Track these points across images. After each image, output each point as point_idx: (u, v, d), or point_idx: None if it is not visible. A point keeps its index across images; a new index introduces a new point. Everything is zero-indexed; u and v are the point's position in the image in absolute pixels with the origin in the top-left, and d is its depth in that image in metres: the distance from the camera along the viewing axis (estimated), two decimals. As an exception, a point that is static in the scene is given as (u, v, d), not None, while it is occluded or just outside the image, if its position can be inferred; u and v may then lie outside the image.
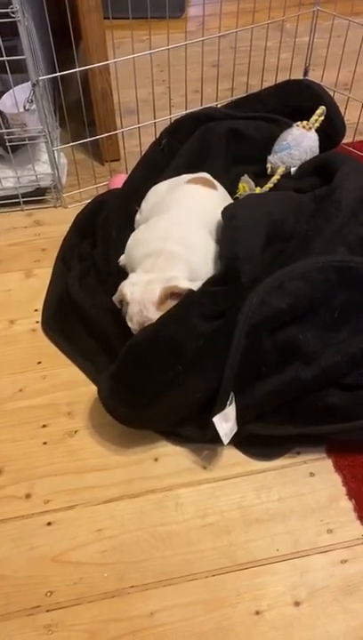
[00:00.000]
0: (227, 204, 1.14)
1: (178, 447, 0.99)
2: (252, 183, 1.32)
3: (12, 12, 1.18)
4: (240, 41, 1.62)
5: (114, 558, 0.87)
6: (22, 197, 1.46)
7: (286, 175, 1.35)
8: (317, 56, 1.74)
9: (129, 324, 1.00)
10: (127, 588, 0.84)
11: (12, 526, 0.90)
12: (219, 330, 0.94)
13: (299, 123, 1.37)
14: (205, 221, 1.11)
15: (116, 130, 1.53)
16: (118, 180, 1.42)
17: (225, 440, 0.92)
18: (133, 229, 1.22)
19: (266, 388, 0.95)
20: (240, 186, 1.33)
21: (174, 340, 0.93)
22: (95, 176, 1.53)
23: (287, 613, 0.81)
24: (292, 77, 1.64)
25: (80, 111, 1.45)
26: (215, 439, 0.92)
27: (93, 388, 1.06)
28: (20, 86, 1.36)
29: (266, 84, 1.58)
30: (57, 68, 1.36)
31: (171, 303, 0.97)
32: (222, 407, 0.91)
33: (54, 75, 1.36)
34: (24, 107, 1.33)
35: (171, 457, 0.98)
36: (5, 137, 1.37)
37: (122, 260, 1.17)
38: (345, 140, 1.48)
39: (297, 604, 0.82)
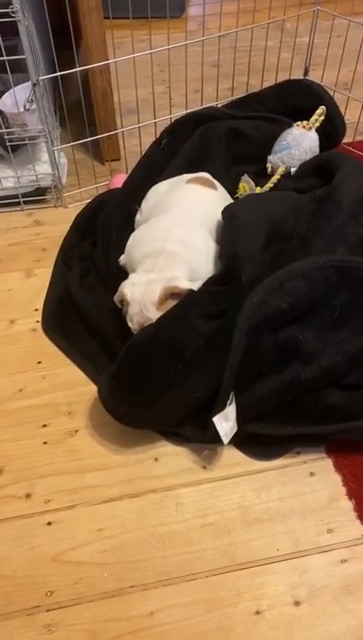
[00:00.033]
0: (227, 204, 1.14)
1: (178, 447, 0.99)
2: (252, 183, 1.32)
3: (13, 12, 1.18)
4: (240, 41, 1.62)
5: (114, 558, 0.87)
6: (22, 197, 1.46)
7: (287, 175, 1.35)
8: (317, 56, 1.74)
9: (129, 325, 1.00)
10: (127, 588, 0.84)
11: (13, 526, 0.90)
12: (219, 329, 0.94)
13: (299, 122, 1.37)
14: (205, 221, 1.11)
15: (116, 129, 1.53)
16: (118, 180, 1.42)
17: (225, 440, 0.92)
18: (133, 229, 1.22)
19: (266, 388, 0.95)
20: (240, 185, 1.33)
21: (174, 340, 0.93)
22: (95, 176, 1.53)
23: (287, 613, 0.81)
24: (292, 77, 1.64)
25: (80, 111, 1.45)
26: (215, 439, 0.92)
27: (93, 388, 1.06)
28: (20, 86, 1.36)
29: (266, 84, 1.58)
30: (57, 68, 1.36)
31: (171, 303, 0.97)
32: (223, 407, 0.91)
33: (54, 74, 1.36)
34: (24, 106, 1.33)
35: (171, 457, 0.98)
36: (5, 137, 1.37)
37: (122, 259, 1.17)
38: (345, 140, 1.48)
39: (297, 603, 0.82)
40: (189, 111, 1.48)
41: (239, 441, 0.97)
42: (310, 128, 1.36)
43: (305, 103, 1.40)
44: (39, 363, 1.13)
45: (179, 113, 1.48)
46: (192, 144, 1.38)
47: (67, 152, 1.57)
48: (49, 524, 0.90)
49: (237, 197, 1.32)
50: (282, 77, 1.60)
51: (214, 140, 1.38)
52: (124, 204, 1.29)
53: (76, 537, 0.89)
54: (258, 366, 0.95)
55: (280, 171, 1.35)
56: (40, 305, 1.23)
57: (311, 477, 0.95)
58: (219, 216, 1.10)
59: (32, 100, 1.33)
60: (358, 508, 0.91)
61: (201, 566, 0.85)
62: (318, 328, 0.96)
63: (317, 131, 1.37)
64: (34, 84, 1.30)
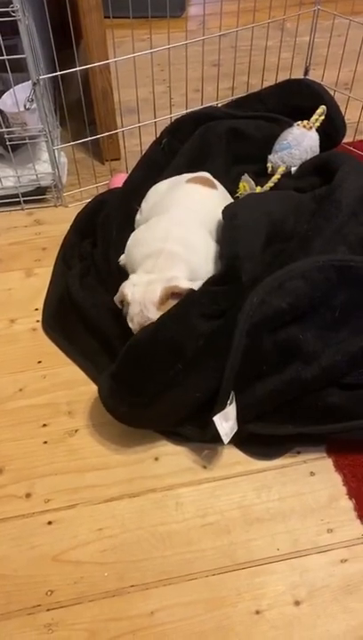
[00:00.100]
0: (227, 204, 1.14)
1: (178, 446, 0.99)
2: (252, 182, 1.32)
3: (13, 11, 1.18)
4: (241, 40, 1.62)
5: (114, 557, 0.87)
6: (23, 196, 1.46)
7: (287, 174, 1.35)
8: (317, 55, 1.74)
9: (130, 325, 1.00)
10: (127, 588, 0.84)
11: (13, 525, 0.90)
12: (219, 329, 0.94)
13: (299, 122, 1.37)
14: (205, 221, 1.11)
15: (116, 129, 1.53)
16: (119, 180, 1.42)
17: (225, 439, 0.92)
18: (133, 229, 1.22)
19: (266, 388, 0.95)
20: (241, 185, 1.33)
21: (175, 340, 0.93)
22: (95, 175, 1.53)
23: (287, 613, 0.81)
24: (292, 77, 1.64)
25: (80, 110, 1.45)
26: (215, 438, 0.92)
27: (94, 388, 1.06)
28: (20, 85, 1.36)
29: (266, 84, 1.58)
30: (57, 67, 1.36)
31: (171, 303, 0.97)
32: (223, 406, 0.91)
33: (55, 74, 1.36)
34: (24, 106, 1.33)
35: (171, 456, 0.98)
36: (6, 136, 1.36)
37: (122, 259, 1.17)
38: (346, 140, 1.48)
39: (297, 603, 0.82)
40: (189, 111, 1.48)
41: (239, 440, 0.97)
42: (311, 128, 1.36)
43: (305, 103, 1.40)
44: (39, 362, 1.13)
45: (179, 112, 1.48)
46: (192, 143, 1.38)
47: (67, 151, 1.56)
48: (49, 523, 0.90)
49: (238, 197, 1.32)
50: (282, 77, 1.60)
51: (215, 140, 1.38)
52: (124, 204, 1.29)
53: (77, 536, 0.89)
54: (258, 366, 0.95)
55: (281, 170, 1.35)
56: (40, 304, 1.23)
57: (312, 477, 0.95)
58: (219, 216, 1.10)
59: (32, 100, 1.33)
60: (358, 507, 0.91)
61: (201, 566, 0.85)
62: (318, 328, 0.96)
63: (317, 130, 1.37)
64: (34, 84, 1.30)
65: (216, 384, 0.92)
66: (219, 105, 1.57)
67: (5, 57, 1.24)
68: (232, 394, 0.92)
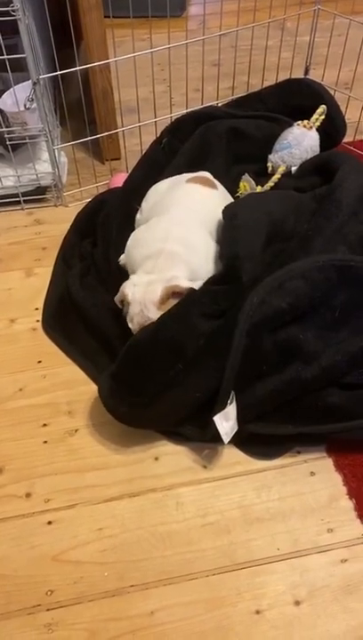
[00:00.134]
0: (227, 204, 1.13)
1: (178, 446, 0.99)
2: (252, 182, 1.32)
3: (13, 11, 1.18)
4: (241, 40, 1.62)
5: (114, 557, 0.87)
6: (23, 196, 1.46)
7: (287, 174, 1.35)
8: (317, 55, 1.74)
9: (129, 325, 1.00)
10: (127, 587, 0.84)
11: (13, 525, 0.90)
12: (219, 329, 0.94)
13: (300, 122, 1.37)
14: (205, 221, 1.11)
15: (116, 128, 1.53)
16: (119, 179, 1.42)
17: (226, 439, 0.92)
18: (133, 228, 1.22)
19: (266, 388, 0.95)
20: (241, 185, 1.33)
21: (175, 340, 0.93)
22: (96, 175, 1.53)
23: (288, 613, 0.81)
24: (293, 76, 1.64)
25: (81, 110, 1.45)
26: (216, 438, 0.92)
27: (94, 387, 1.06)
28: (20, 85, 1.36)
29: (267, 83, 1.57)
30: (57, 67, 1.35)
31: (172, 303, 0.97)
32: (223, 406, 0.91)
33: (55, 73, 1.36)
34: (24, 105, 1.33)
35: (171, 456, 0.98)
36: (6, 136, 1.36)
37: (122, 259, 1.17)
38: (346, 139, 1.48)
39: (297, 603, 0.82)
40: (189, 110, 1.48)
41: (240, 440, 0.97)
42: (311, 127, 1.36)
43: (306, 102, 1.40)
44: (39, 362, 1.13)
45: (179, 112, 1.48)
46: (193, 143, 1.38)
47: (67, 151, 1.56)
48: (49, 523, 0.90)
49: (238, 196, 1.31)
50: (283, 76, 1.60)
51: (215, 139, 1.38)
52: (124, 204, 1.29)
53: (77, 536, 0.89)
54: (258, 366, 0.95)
55: (281, 170, 1.34)
56: (40, 304, 1.23)
57: (312, 477, 0.95)
58: (219, 215, 1.10)
59: (32, 99, 1.33)
60: (358, 507, 0.91)
61: (201, 566, 0.85)
62: (318, 328, 0.96)
63: (317, 130, 1.37)
64: (34, 83, 1.30)
65: (216, 384, 0.92)
66: (219, 104, 1.57)
67: (5, 56, 1.23)
68: (232, 394, 0.92)
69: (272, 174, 1.35)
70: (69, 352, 1.14)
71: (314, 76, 1.73)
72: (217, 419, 0.90)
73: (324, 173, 1.25)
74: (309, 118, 1.37)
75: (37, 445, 1.00)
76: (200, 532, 0.89)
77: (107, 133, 1.53)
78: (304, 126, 1.35)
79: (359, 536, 0.88)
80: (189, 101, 1.57)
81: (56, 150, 1.42)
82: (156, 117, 1.51)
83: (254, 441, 0.98)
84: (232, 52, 1.59)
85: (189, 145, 1.38)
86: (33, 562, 0.86)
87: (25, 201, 1.47)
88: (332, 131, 1.39)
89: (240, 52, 1.62)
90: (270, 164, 1.38)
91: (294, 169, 1.35)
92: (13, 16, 1.18)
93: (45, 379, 1.10)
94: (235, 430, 0.93)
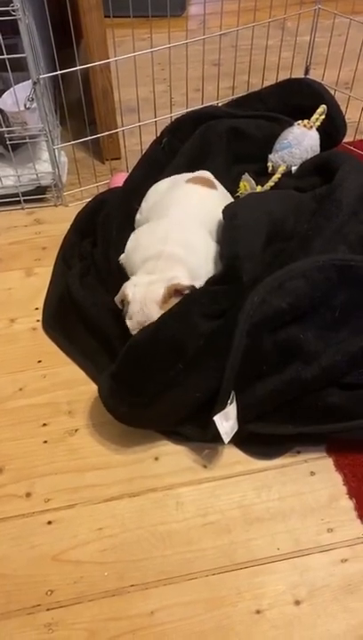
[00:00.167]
0: (227, 204, 1.13)
1: (178, 446, 0.99)
2: (253, 182, 1.32)
3: (13, 10, 1.18)
4: (241, 39, 1.61)
5: (114, 557, 0.87)
6: (23, 196, 1.46)
7: (287, 174, 1.35)
8: (318, 55, 1.74)
9: (128, 323, 0.99)
10: (127, 587, 0.84)
11: (13, 525, 0.90)
12: (219, 329, 0.94)
13: (300, 121, 1.37)
14: (204, 222, 1.11)
15: (116, 128, 1.53)
16: (119, 179, 1.42)
17: (226, 439, 0.92)
18: (133, 228, 1.22)
19: (266, 388, 0.95)
20: (241, 184, 1.33)
21: (175, 339, 0.93)
22: (96, 174, 1.53)
23: (288, 612, 0.81)
24: (293, 76, 1.64)
25: (81, 109, 1.45)
26: (216, 438, 0.92)
27: (94, 387, 1.06)
28: (20, 84, 1.36)
29: (267, 83, 1.57)
30: (58, 67, 1.35)
31: (174, 302, 0.97)
32: (223, 406, 0.91)
33: (55, 73, 1.35)
34: (25, 105, 1.33)
35: (171, 456, 0.98)
36: (6, 135, 1.36)
37: (122, 258, 1.16)
38: (346, 139, 1.48)
39: (297, 602, 0.82)
40: (189, 110, 1.48)
41: (240, 440, 0.97)
42: (311, 127, 1.36)
43: (306, 102, 1.40)
44: (39, 362, 1.13)
45: (179, 112, 1.48)
46: (193, 143, 1.38)
47: (67, 151, 1.56)
48: (49, 523, 0.90)
49: (238, 196, 1.31)
50: (283, 76, 1.60)
51: (215, 139, 1.38)
52: (124, 203, 1.29)
53: (77, 536, 0.89)
54: (258, 366, 0.95)
55: (281, 170, 1.34)
56: (40, 304, 1.23)
57: (312, 477, 0.95)
58: (219, 216, 1.10)
59: (32, 99, 1.33)
60: (358, 507, 0.90)
61: (201, 565, 0.85)
62: (318, 328, 0.96)
63: (317, 130, 1.37)
64: (34, 83, 1.30)
65: (217, 384, 0.92)
66: (219, 104, 1.57)
67: (5, 56, 1.23)
68: (233, 393, 0.92)
69: (272, 174, 1.35)
70: (69, 352, 1.14)
71: (314, 75, 1.73)
72: (217, 418, 0.90)
73: (324, 173, 1.25)
74: (309, 118, 1.37)
75: (37, 445, 1.00)
76: (200, 531, 0.89)
77: (107, 133, 1.53)
78: (304, 126, 1.35)
79: (359, 536, 0.88)
80: (189, 101, 1.57)
81: (56, 150, 1.42)
82: (156, 117, 1.51)
83: (255, 441, 0.98)
84: (232, 51, 1.59)
85: (189, 145, 1.38)
86: (33, 561, 0.86)
87: (25, 200, 1.47)
88: (332, 130, 1.39)
89: (240, 51, 1.62)
90: (270, 164, 1.38)
91: (294, 169, 1.35)
92: (14, 16, 1.18)
93: (45, 378, 1.10)
94: (235, 430, 0.93)
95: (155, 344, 0.93)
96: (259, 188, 1.32)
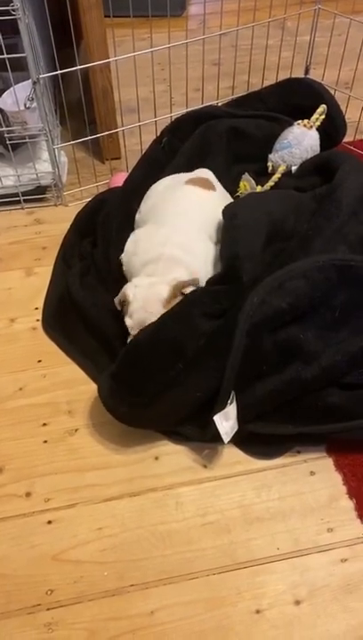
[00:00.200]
0: (227, 204, 1.13)
1: (178, 446, 0.99)
2: (253, 182, 1.32)
3: (13, 10, 1.18)
4: (241, 39, 1.61)
5: (114, 557, 0.87)
6: (23, 196, 1.46)
7: (287, 174, 1.35)
8: (318, 54, 1.74)
9: (128, 322, 0.99)
10: (127, 587, 0.84)
11: (13, 525, 0.90)
12: (220, 329, 0.94)
13: (300, 121, 1.37)
14: (203, 225, 1.11)
15: (116, 128, 1.53)
16: (119, 179, 1.42)
17: (226, 439, 0.92)
18: (133, 228, 1.22)
19: (266, 388, 0.95)
20: (241, 184, 1.33)
21: (176, 340, 0.93)
22: (96, 174, 1.53)
23: (288, 612, 0.81)
24: (293, 76, 1.64)
25: (81, 109, 1.45)
26: (216, 438, 0.92)
27: (94, 387, 1.06)
28: (20, 84, 1.36)
29: (267, 83, 1.57)
30: (57, 66, 1.35)
31: (176, 302, 0.97)
32: (223, 406, 0.91)
33: (55, 73, 1.35)
34: (25, 105, 1.33)
35: (171, 456, 0.98)
36: (6, 135, 1.36)
37: (123, 257, 1.16)
38: (346, 139, 1.48)
39: (297, 602, 0.82)
40: (189, 110, 1.48)
41: (240, 440, 0.97)
42: (311, 127, 1.36)
43: (306, 102, 1.40)
44: (39, 361, 1.13)
45: (179, 111, 1.48)
46: (193, 142, 1.38)
47: (67, 150, 1.56)
48: (49, 522, 0.90)
49: (238, 196, 1.31)
50: (283, 76, 1.60)
51: (215, 139, 1.38)
52: (124, 203, 1.29)
53: (77, 536, 0.89)
54: (258, 366, 0.95)
55: (281, 169, 1.34)
56: (40, 304, 1.23)
57: (312, 476, 0.95)
58: (217, 217, 1.10)
59: (32, 99, 1.33)
60: (358, 507, 0.91)
61: (201, 565, 0.85)
62: (318, 328, 0.96)
63: (317, 129, 1.37)
64: (34, 83, 1.30)
65: (217, 384, 0.92)
66: (219, 104, 1.57)
67: (5, 56, 1.23)
68: (233, 393, 0.92)
69: (272, 174, 1.35)
70: (69, 351, 1.14)
71: (314, 75, 1.73)
72: (217, 418, 0.90)
73: (324, 173, 1.25)
74: (309, 118, 1.37)
75: (37, 445, 1.00)
76: (200, 531, 0.89)
77: (107, 133, 1.53)
78: (304, 126, 1.35)
79: (359, 535, 0.88)
80: (189, 101, 1.57)
81: (56, 150, 1.41)
82: (156, 117, 1.51)
83: (254, 440, 0.98)
84: (232, 51, 1.59)
85: (189, 144, 1.38)
86: (33, 561, 0.86)
87: (25, 200, 1.47)
88: (332, 130, 1.39)
89: (240, 51, 1.62)
90: (270, 164, 1.38)
91: (294, 168, 1.35)
92: (14, 15, 1.18)
93: (45, 378, 1.10)
94: (235, 430, 0.93)
95: (155, 344, 0.93)
96: (259, 188, 1.32)
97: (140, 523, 0.90)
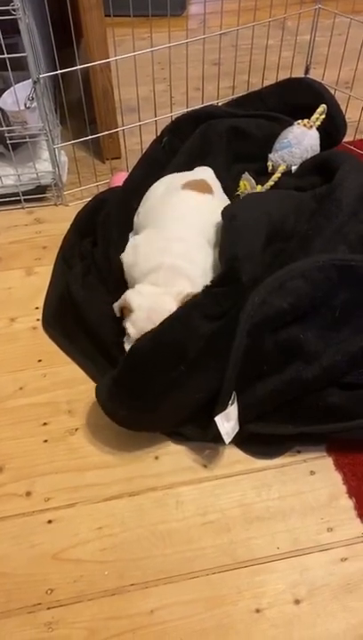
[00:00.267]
0: (226, 205, 1.13)
1: (178, 445, 0.99)
2: (253, 181, 1.32)
3: (13, 10, 1.18)
4: (241, 39, 1.61)
5: (114, 556, 0.87)
6: (23, 195, 1.46)
7: (287, 173, 1.35)
8: (318, 54, 1.74)
9: (130, 331, 0.98)
10: (127, 586, 0.84)
11: (13, 524, 0.90)
12: (220, 330, 0.94)
13: (300, 121, 1.37)
14: (202, 229, 1.10)
15: (116, 127, 1.53)
16: (119, 178, 1.42)
17: (227, 439, 0.92)
18: (133, 228, 1.22)
19: (267, 388, 0.95)
20: (241, 184, 1.33)
21: (178, 342, 0.92)
22: (96, 174, 1.53)
23: (287, 611, 0.81)
24: (293, 75, 1.64)
25: (81, 109, 1.45)
26: (217, 439, 0.92)
27: (94, 386, 1.06)
28: (20, 84, 1.36)
29: (267, 83, 1.57)
30: (58, 66, 1.35)
31: None
32: (224, 407, 0.91)
33: (55, 72, 1.35)
34: (25, 104, 1.33)
35: (171, 455, 0.98)
36: (6, 135, 1.36)
37: (123, 256, 1.16)
38: (346, 139, 1.48)
39: (297, 602, 0.82)
40: (189, 109, 1.48)
41: (240, 440, 0.97)
42: (311, 126, 1.36)
43: (306, 101, 1.40)
44: (39, 361, 1.13)
45: (180, 111, 1.48)
46: (193, 142, 1.38)
47: (67, 150, 1.56)
48: (49, 522, 0.90)
49: (238, 195, 1.32)
50: (283, 76, 1.60)
51: (215, 138, 1.38)
52: (124, 203, 1.29)
53: (77, 535, 0.89)
54: (259, 366, 0.95)
55: (281, 169, 1.34)
56: (40, 303, 1.23)
57: (312, 476, 0.95)
58: (216, 220, 1.10)
59: (33, 98, 1.33)
60: (358, 506, 0.91)
61: (201, 564, 0.85)
62: (318, 328, 0.96)
63: (318, 129, 1.37)
64: (34, 82, 1.30)
65: (218, 384, 0.92)
66: (219, 104, 1.57)
67: (6, 55, 1.23)
68: (234, 394, 0.92)
69: (272, 173, 1.35)
70: (69, 351, 1.13)
71: (314, 75, 1.73)
72: (218, 419, 0.90)
73: (324, 172, 1.25)
74: (309, 117, 1.37)
75: (37, 444, 1.00)
76: (200, 530, 0.89)
77: (107, 132, 1.53)
78: (304, 125, 1.35)
79: (359, 535, 0.88)
80: (189, 100, 1.57)
81: (56, 149, 1.42)
82: (156, 116, 1.51)
83: (255, 440, 0.98)
84: (233, 51, 1.59)
85: (189, 144, 1.38)
86: (33, 560, 0.86)
87: (25, 200, 1.47)
88: (332, 130, 1.39)
89: (241, 51, 1.62)
90: (270, 163, 1.38)
91: (294, 168, 1.35)
92: (14, 15, 1.18)
93: (45, 377, 1.10)
94: (236, 431, 0.93)
95: (158, 348, 0.92)
96: (259, 188, 1.32)
97: (140, 522, 0.90)
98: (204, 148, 1.37)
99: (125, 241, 1.15)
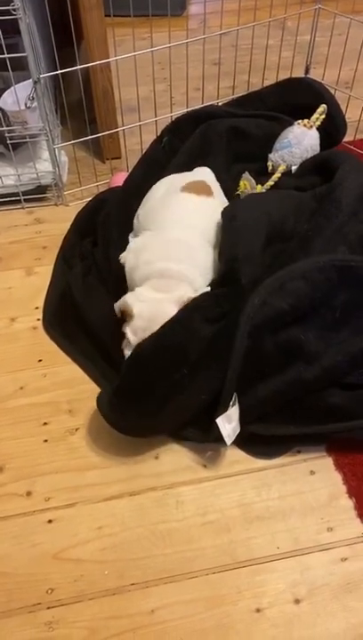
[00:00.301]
0: (226, 205, 1.13)
1: (179, 445, 0.99)
2: (253, 181, 1.32)
3: (14, 10, 1.18)
4: (241, 39, 1.61)
5: (114, 556, 0.87)
6: (23, 195, 1.46)
7: (287, 173, 1.35)
8: (318, 54, 1.74)
9: (131, 338, 0.97)
10: (128, 586, 0.84)
11: (13, 524, 0.90)
12: (221, 331, 0.94)
13: (300, 121, 1.37)
14: (203, 231, 1.10)
15: (117, 127, 1.53)
16: (119, 178, 1.42)
17: (228, 441, 0.92)
18: (133, 228, 1.22)
19: (268, 389, 0.95)
20: (241, 183, 1.33)
21: (180, 345, 0.92)
22: (96, 174, 1.53)
23: (288, 611, 0.81)
24: (293, 75, 1.64)
25: (81, 109, 1.45)
26: (218, 440, 0.92)
27: (94, 386, 1.06)
28: (21, 84, 1.36)
29: (267, 83, 1.57)
30: (58, 66, 1.35)
31: None
32: (225, 408, 0.91)
33: (55, 72, 1.35)
34: (25, 104, 1.33)
35: (171, 455, 0.98)
36: (6, 134, 1.36)
37: (122, 257, 1.16)
38: (346, 139, 1.48)
39: (297, 601, 0.82)
40: (189, 109, 1.48)
41: (240, 440, 0.97)
42: (311, 126, 1.36)
43: (306, 101, 1.40)
44: (40, 361, 1.13)
45: (180, 111, 1.48)
46: (193, 142, 1.38)
47: (67, 150, 1.56)
48: (50, 521, 0.91)
49: (238, 195, 1.32)
50: (283, 76, 1.60)
51: (215, 138, 1.38)
52: (124, 203, 1.29)
53: (77, 535, 0.89)
54: (260, 367, 0.95)
55: (281, 169, 1.35)
56: (41, 303, 1.23)
57: (312, 476, 0.95)
58: (215, 222, 1.09)
59: (33, 98, 1.33)
60: (358, 506, 0.91)
61: (201, 564, 0.86)
62: (319, 328, 0.96)
63: (318, 129, 1.37)
64: (35, 82, 1.30)
65: (219, 386, 0.92)
66: (219, 104, 1.57)
67: (6, 55, 1.24)
68: (235, 395, 0.92)
69: (272, 173, 1.35)
70: (70, 351, 1.14)
71: (314, 75, 1.73)
72: (220, 421, 0.90)
73: (324, 172, 1.25)
74: (309, 117, 1.37)
75: (38, 444, 1.00)
76: (200, 530, 0.89)
77: (107, 132, 1.53)
78: (305, 125, 1.35)
79: (359, 535, 0.88)
80: (189, 100, 1.57)
81: (56, 149, 1.42)
82: (156, 116, 1.51)
83: (255, 440, 0.98)
84: (233, 51, 1.59)
85: (189, 144, 1.38)
86: (33, 560, 0.87)
87: (25, 200, 1.47)
88: (332, 130, 1.39)
89: (241, 51, 1.62)
90: (270, 163, 1.38)
91: (294, 168, 1.35)
92: (14, 15, 1.18)
93: (46, 377, 1.10)
94: (237, 432, 0.93)
95: (160, 351, 0.92)
96: (259, 187, 1.32)
97: (140, 522, 0.90)
98: (204, 147, 1.37)
99: (125, 241, 1.15)
